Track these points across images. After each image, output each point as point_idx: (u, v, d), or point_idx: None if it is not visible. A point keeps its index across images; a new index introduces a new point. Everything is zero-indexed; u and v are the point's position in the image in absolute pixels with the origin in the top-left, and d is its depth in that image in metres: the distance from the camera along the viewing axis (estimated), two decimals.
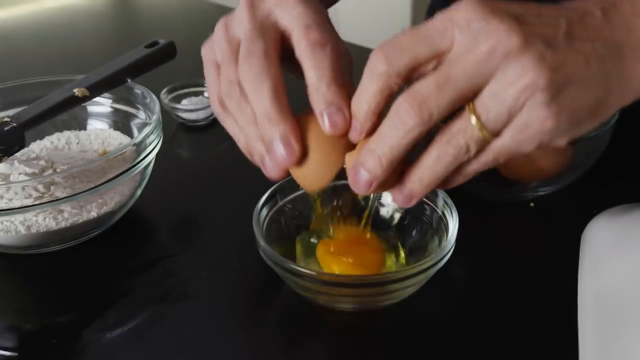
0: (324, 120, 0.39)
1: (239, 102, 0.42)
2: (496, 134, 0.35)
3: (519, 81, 0.33)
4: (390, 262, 0.47)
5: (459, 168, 0.37)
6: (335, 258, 0.46)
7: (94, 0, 1.36)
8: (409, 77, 0.36)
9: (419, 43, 0.35)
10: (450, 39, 0.34)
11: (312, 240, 0.49)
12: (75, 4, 1.33)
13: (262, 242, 0.43)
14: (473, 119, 0.34)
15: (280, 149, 0.40)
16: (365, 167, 0.37)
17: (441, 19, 0.35)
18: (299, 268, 0.41)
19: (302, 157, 0.40)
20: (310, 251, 0.48)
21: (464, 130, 0.35)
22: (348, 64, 0.43)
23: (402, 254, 0.48)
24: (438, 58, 0.35)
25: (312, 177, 0.41)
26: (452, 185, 0.39)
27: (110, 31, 1.21)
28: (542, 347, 0.42)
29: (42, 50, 1.05)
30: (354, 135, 0.39)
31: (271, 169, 0.41)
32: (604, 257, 0.46)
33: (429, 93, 0.34)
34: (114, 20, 1.29)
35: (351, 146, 0.40)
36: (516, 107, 0.34)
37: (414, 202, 0.38)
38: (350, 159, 0.39)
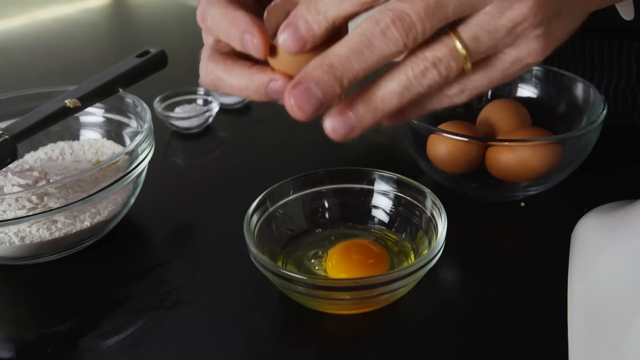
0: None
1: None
2: (474, 64, 0.33)
3: (513, 13, 0.32)
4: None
5: (420, 99, 0.34)
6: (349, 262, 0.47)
7: (88, 10, 1.37)
8: None
9: (441, 19, 0.32)
10: None
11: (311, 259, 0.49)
12: (69, 15, 1.33)
13: (252, 248, 0.44)
14: (460, 48, 0.32)
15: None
16: (319, 84, 0.31)
17: None
18: (289, 273, 0.42)
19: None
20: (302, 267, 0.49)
21: (447, 58, 0.32)
22: None
23: (412, 256, 0.49)
24: None
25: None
26: (404, 119, 0.36)
27: (105, 41, 1.21)
28: (532, 345, 0.43)
29: (37, 61, 1.06)
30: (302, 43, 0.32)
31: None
32: (593, 254, 0.47)
33: (418, 15, 0.31)
34: (109, 30, 1.30)
35: None
36: (506, 41, 0.33)
37: (354, 135, 0.33)
38: None
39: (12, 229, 0.49)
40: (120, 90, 0.59)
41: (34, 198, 0.49)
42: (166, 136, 0.74)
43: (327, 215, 0.52)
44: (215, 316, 0.47)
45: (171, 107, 0.76)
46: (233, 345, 0.44)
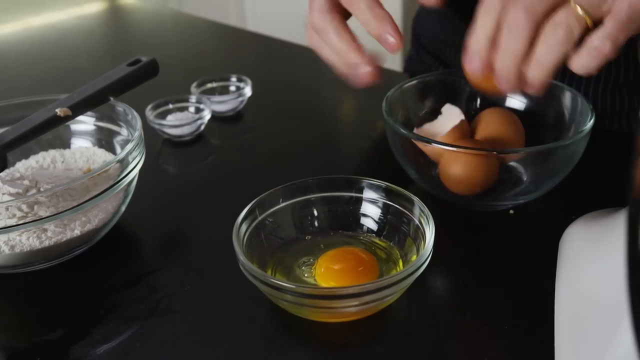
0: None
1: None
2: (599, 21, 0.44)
3: None
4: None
5: (571, 61, 0.46)
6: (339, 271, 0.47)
7: (82, 17, 1.37)
8: None
9: None
10: None
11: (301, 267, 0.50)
12: (63, 21, 1.34)
13: (241, 257, 0.44)
14: (573, 5, 0.44)
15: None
16: (502, 73, 0.47)
17: None
18: (277, 282, 0.42)
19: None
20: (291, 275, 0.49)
21: (564, 16, 0.44)
22: None
23: (401, 263, 0.49)
24: None
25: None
26: (575, 61, 0.46)
27: (99, 48, 1.22)
28: (519, 353, 0.43)
29: (30, 67, 1.06)
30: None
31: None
32: (580, 262, 0.47)
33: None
34: (103, 37, 1.30)
35: None
36: None
37: (539, 87, 0.47)
38: None
39: (2, 238, 0.50)
40: (112, 98, 0.60)
41: (24, 207, 0.49)
42: (158, 144, 0.74)
43: (316, 223, 0.53)
44: (205, 324, 0.47)
45: (163, 115, 0.76)
46: (222, 354, 0.44)
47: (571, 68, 0.46)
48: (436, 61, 0.87)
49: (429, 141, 0.53)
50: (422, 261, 0.43)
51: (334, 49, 0.54)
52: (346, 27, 0.54)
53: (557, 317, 0.44)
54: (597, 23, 0.45)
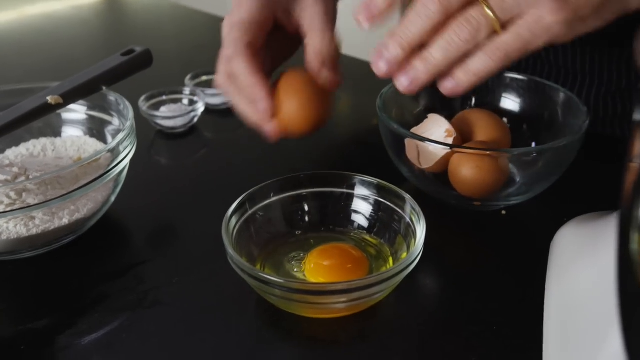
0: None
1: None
2: (504, 26, 0.41)
3: None
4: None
5: (463, 60, 0.43)
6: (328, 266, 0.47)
7: (78, 7, 1.36)
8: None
9: None
10: None
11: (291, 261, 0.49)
12: (58, 11, 1.33)
13: (230, 250, 0.44)
14: (486, 8, 0.41)
15: (259, 106, 0.50)
16: (387, 49, 0.44)
17: None
18: (266, 276, 0.41)
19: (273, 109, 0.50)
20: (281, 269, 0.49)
21: (478, 15, 0.41)
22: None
23: (391, 261, 0.49)
24: None
25: (294, 121, 0.50)
26: (454, 80, 0.44)
27: (95, 39, 1.21)
28: (506, 354, 0.43)
29: (25, 57, 1.05)
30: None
31: (259, 121, 0.51)
32: (570, 264, 0.47)
33: None
34: (99, 27, 1.29)
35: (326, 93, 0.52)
36: (525, 2, 0.40)
37: (414, 87, 0.44)
38: None
39: None
40: (104, 88, 0.59)
41: (12, 194, 0.48)
42: (150, 135, 0.74)
43: (307, 218, 0.52)
44: (192, 317, 0.46)
45: (156, 107, 0.76)
46: (209, 348, 0.44)
47: (453, 76, 0.44)
48: None
49: (422, 139, 0.53)
50: (412, 259, 0.43)
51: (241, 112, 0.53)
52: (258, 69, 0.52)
53: (547, 319, 0.44)
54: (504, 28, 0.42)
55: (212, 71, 0.83)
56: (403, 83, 0.44)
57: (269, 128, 0.51)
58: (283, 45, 0.57)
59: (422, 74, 0.43)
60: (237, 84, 0.52)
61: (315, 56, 0.52)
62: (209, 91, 0.79)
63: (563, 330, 0.42)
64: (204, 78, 0.84)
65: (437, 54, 0.43)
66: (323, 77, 0.51)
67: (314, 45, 0.52)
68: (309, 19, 0.53)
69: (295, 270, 0.48)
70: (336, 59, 0.52)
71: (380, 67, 0.45)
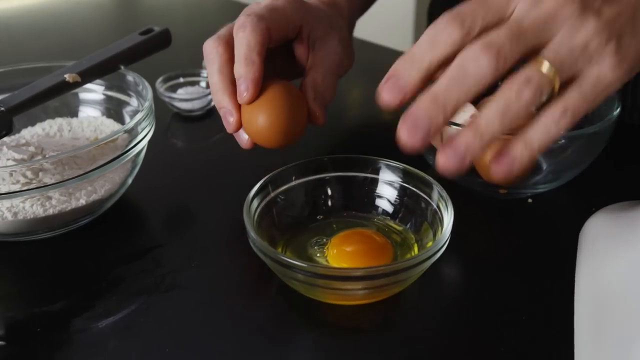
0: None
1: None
2: (562, 86, 0.36)
3: (583, 33, 0.36)
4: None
5: (523, 134, 0.36)
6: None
7: None
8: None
9: (488, 11, 0.37)
10: (513, 7, 0.37)
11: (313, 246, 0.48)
12: None
13: (252, 233, 0.43)
14: (546, 65, 0.35)
15: (224, 115, 0.50)
16: (425, 111, 0.35)
17: None
18: (289, 260, 0.40)
19: (238, 124, 0.50)
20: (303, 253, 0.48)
21: (537, 75, 0.35)
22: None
23: (416, 248, 0.48)
24: (503, 21, 0.37)
25: (263, 135, 0.49)
26: (510, 158, 0.36)
27: (108, 22, 1.20)
28: (536, 344, 0.42)
29: (40, 39, 1.04)
30: (398, 95, 0.37)
31: (227, 128, 0.50)
32: (601, 254, 0.45)
33: (503, 41, 0.35)
34: (113, 10, 1.28)
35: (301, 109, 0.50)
36: (584, 58, 0.36)
37: (465, 164, 0.35)
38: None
39: (5, 204, 0.48)
40: (122, 67, 0.58)
41: (28, 173, 0.47)
42: (167, 118, 0.73)
43: (329, 203, 0.51)
44: (210, 302, 0.45)
45: (173, 89, 0.74)
46: (227, 333, 0.43)
47: (507, 155, 0.37)
48: None
49: (448, 124, 0.51)
50: (439, 246, 0.42)
51: (210, 83, 0.51)
52: (232, 65, 0.50)
53: (577, 309, 0.43)
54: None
55: None
56: (449, 160, 0.35)
57: (239, 137, 0.52)
58: (278, 65, 0.56)
59: (475, 147, 0.35)
60: (224, 59, 0.50)
61: (316, 95, 0.51)
62: None
63: (595, 321, 0.41)
64: None
65: (492, 121, 0.35)
66: (316, 112, 0.51)
67: (316, 80, 0.52)
68: (323, 54, 0.53)
69: (318, 255, 0.47)
70: (327, 103, 0.52)
71: (414, 138, 0.35)
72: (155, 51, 0.60)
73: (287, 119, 0.49)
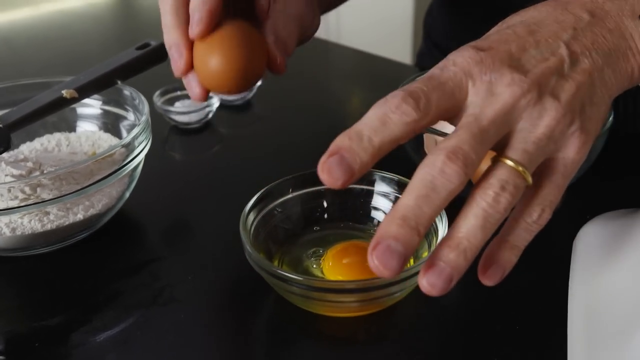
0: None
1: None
2: (534, 180, 0.35)
3: (545, 120, 0.34)
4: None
5: (506, 239, 0.36)
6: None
7: (92, 4, 1.36)
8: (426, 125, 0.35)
9: (442, 95, 0.34)
10: (466, 90, 0.35)
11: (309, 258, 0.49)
12: (73, 7, 1.33)
13: (248, 247, 0.43)
14: (515, 165, 0.34)
15: (173, 54, 0.45)
16: (398, 239, 0.32)
17: (453, 70, 0.35)
18: (285, 273, 0.41)
19: (188, 65, 0.44)
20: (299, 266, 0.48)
21: (510, 176, 0.33)
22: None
23: (411, 260, 0.48)
24: (455, 108, 0.35)
25: (216, 78, 0.43)
26: (500, 265, 0.36)
27: (109, 35, 1.21)
28: (530, 354, 0.42)
29: (40, 53, 1.05)
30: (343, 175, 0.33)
31: (175, 70, 0.45)
32: (595, 263, 0.46)
33: (467, 147, 0.33)
34: (113, 23, 1.29)
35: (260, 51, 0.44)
36: (550, 147, 0.35)
37: (453, 283, 0.33)
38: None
39: (3, 220, 0.49)
40: (119, 82, 0.58)
41: (26, 189, 0.48)
42: (165, 131, 0.73)
43: (325, 215, 0.52)
44: (208, 315, 0.46)
45: (171, 102, 0.75)
46: (224, 345, 0.43)
47: (496, 262, 0.36)
48: None
49: (441, 134, 0.52)
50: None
51: (162, 22, 0.46)
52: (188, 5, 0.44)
53: (571, 318, 0.43)
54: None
55: None
56: (436, 284, 0.32)
57: (190, 87, 0.45)
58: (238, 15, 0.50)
59: (461, 266, 0.33)
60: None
61: (277, 40, 0.46)
62: None
63: (588, 330, 0.41)
64: None
65: (475, 235, 0.33)
66: (276, 58, 0.45)
67: (277, 25, 0.46)
68: (286, 4, 0.48)
69: (314, 266, 0.47)
70: (289, 52, 0.47)
71: (389, 267, 0.31)
72: (151, 65, 0.61)
73: (245, 61, 0.43)
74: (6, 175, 0.51)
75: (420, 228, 0.32)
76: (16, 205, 0.47)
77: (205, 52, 0.43)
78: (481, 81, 0.35)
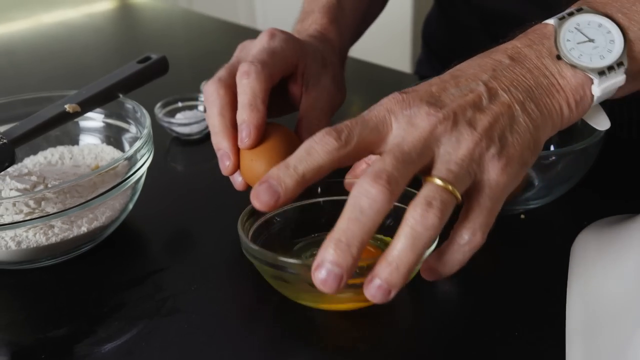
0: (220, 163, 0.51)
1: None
2: (465, 203, 0.38)
3: (463, 144, 0.37)
4: None
5: (440, 255, 0.38)
6: None
7: (92, 15, 1.37)
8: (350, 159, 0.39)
9: (365, 128, 0.38)
10: (389, 125, 0.39)
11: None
12: (74, 19, 1.34)
13: (244, 239, 0.44)
14: (441, 182, 0.36)
15: (222, 157, 0.50)
16: (335, 261, 0.35)
17: (378, 109, 0.39)
18: (283, 259, 0.41)
19: (235, 168, 0.50)
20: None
21: (437, 193, 0.36)
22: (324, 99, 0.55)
23: None
24: (380, 142, 0.39)
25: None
26: (437, 274, 0.39)
27: (109, 46, 1.22)
28: (529, 359, 0.42)
29: (40, 65, 1.06)
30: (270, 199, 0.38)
31: (222, 171, 0.51)
32: (592, 268, 0.46)
33: (390, 168, 0.36)
34: (113, 35, 1.30)
35: None
36: (473, 167, 0.37)
37: (392, 295, 0.36)
38: None
39: (8, 234, 0.49)
40: (121, 95, 0.59)
41: (31, 203, 0.49)
42: (167, 142, 0.74)
43: (323, 220, 0.52)
44: (211, 325, 0.46)
45: (172, 113, 0.76)
46: (228, 355, 0.44)
47: (433, 271, 0.39)
48: (444, 67, 0.86)
49: None
50: (427, 255, 0.42)
51: (209, 124, 0.52)
52: (232, 108, 0.51)
53: (569, 324, 0.44)
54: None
55: None
56: (377, 297, 0.36)
57: (234, 179, 0.52)
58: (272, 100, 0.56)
59: (396, 282, 0.35)
60: (225, 101, 0.51)
61: (310, 135, 0.51)
62: None
63: (586, 335, 0.42)
64: None
65: (406, 254, 0.35)
66: None
67: (311, 123, 0.53)
68: (316, 94, 0.54)
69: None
70: None
71: (330, 287, 0.35)
72: (152, 79, 0.62)
73: None
74: (11, 189, 0.52)
75: (352, 249, 0.35)
76: (21, 219, 0.47)
77: (251, 159, 0.49)
78: (402, 115, 0.38)
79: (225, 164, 0.50)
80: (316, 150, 0.37)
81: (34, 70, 1.03)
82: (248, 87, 0.49)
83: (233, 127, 0.50)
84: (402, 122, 0.38)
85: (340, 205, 0.51)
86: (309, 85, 0.55)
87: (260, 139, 0.49)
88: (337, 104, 0.58)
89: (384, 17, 0.83)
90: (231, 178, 0.53)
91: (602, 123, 0.46)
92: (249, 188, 0.52)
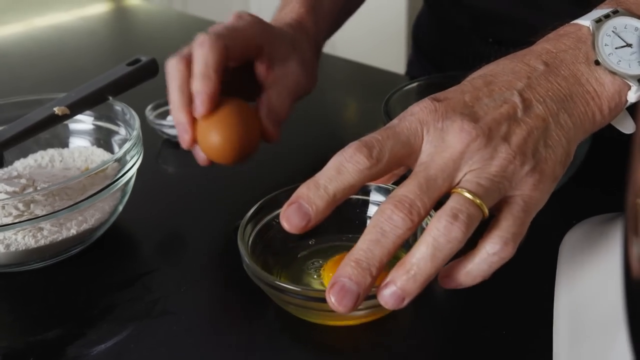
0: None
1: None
2: (496, 214, 0.37)
3: (497, 160, 0.36)
4: None
5: (465, 266, 0.37)
6: None
7: (86, 18, 1.37)
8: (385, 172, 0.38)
9: (396, 143, 0.37)
10: (421, 138, 0.38)
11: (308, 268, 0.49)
12: (67, 22, 1.33)
13: (247, 259, 0.43)
14: (469, 195, 0.35)
15: (180, 130, 0.52)
16: (352, 278, 0.35)
17: (410, 120, 0.38)
18: (284, 285, 0.41)
19: (193, 141, 0.52)
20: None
21: (464, 205, 0.35)
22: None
23: None
24: (412, 155, 0.38)
25: (216, 151, 0.52)
26: (455, 282, 0.39)
27: (103, 49, 1.21)
28: (517, 357, 0.43)
29: (33, 68, 1.06)
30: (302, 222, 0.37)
31: (182, 144, 0.53)
32: (580, 267, 0.46)
33: (413, 196, 0.35)
34: (107, 38, 1.30)
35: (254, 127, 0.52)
36: (505, 184, 0.36)
37: (405, 303, 0.36)
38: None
39: None
40: (110, 98, 0.59)
41: (20, 205, 0.49)
42: (157, 144, 0.74)
43: (322, 226, 0.52)
44: (200, 327, 0.46)
45: (163, 115, 0.76)
46: (217, 357, 0.44)
47: (453, 279, 0.39)
48: (434, 67, 0.86)
49: None
50: None
51: (169, 100, 0.53)
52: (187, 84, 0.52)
53: (556, 322, 0.44)
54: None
55: None
56: (389, 303, 0.36)
57: (196, 155, 0.54)
58: (242, 85, 0.57)
59: (411, 289, 0.36)
60: (184, 75, 0.52)
61: (269, 113, 0.53)
62: None
63: (572, 334, 0.42)
64: None
65: (425, 263, 0.35)
66: (268, 130, 0.53)
67: (270, 98, 0.54)
68: (281, 73, 0.55)
69: (314, 277, 0.48)
70: (281, 121, 0.55)
71: (344, 304, 0.35)
72: (142, 81, 0.62)
73: (239, 137, 0.51)
74: (0, 192, 0.52)
75: (372, 269, 0.35)
76: (10, 222, 0.47)
77: (206, 130, 0.51)
78: (434, 128, 0.37)
79: (184, 137, 0.52)
80: (347, 169, 0.37)
81: (26, 73, 1.03)
82: (201, 57, 0.51)
83: (191, 102, 0.51)
84: (434, 136, 0.37)
85: (341, 206, 0.52)
86: (274, 66, 0.56)
87: (213, 107, 0.50)
88: (304, 88, 0.59)
89: (379, 19, 0.83)
90: (194, 154, 0.54)
91: (628, 126, 0.45)
92: (212, 164, 0.55)
